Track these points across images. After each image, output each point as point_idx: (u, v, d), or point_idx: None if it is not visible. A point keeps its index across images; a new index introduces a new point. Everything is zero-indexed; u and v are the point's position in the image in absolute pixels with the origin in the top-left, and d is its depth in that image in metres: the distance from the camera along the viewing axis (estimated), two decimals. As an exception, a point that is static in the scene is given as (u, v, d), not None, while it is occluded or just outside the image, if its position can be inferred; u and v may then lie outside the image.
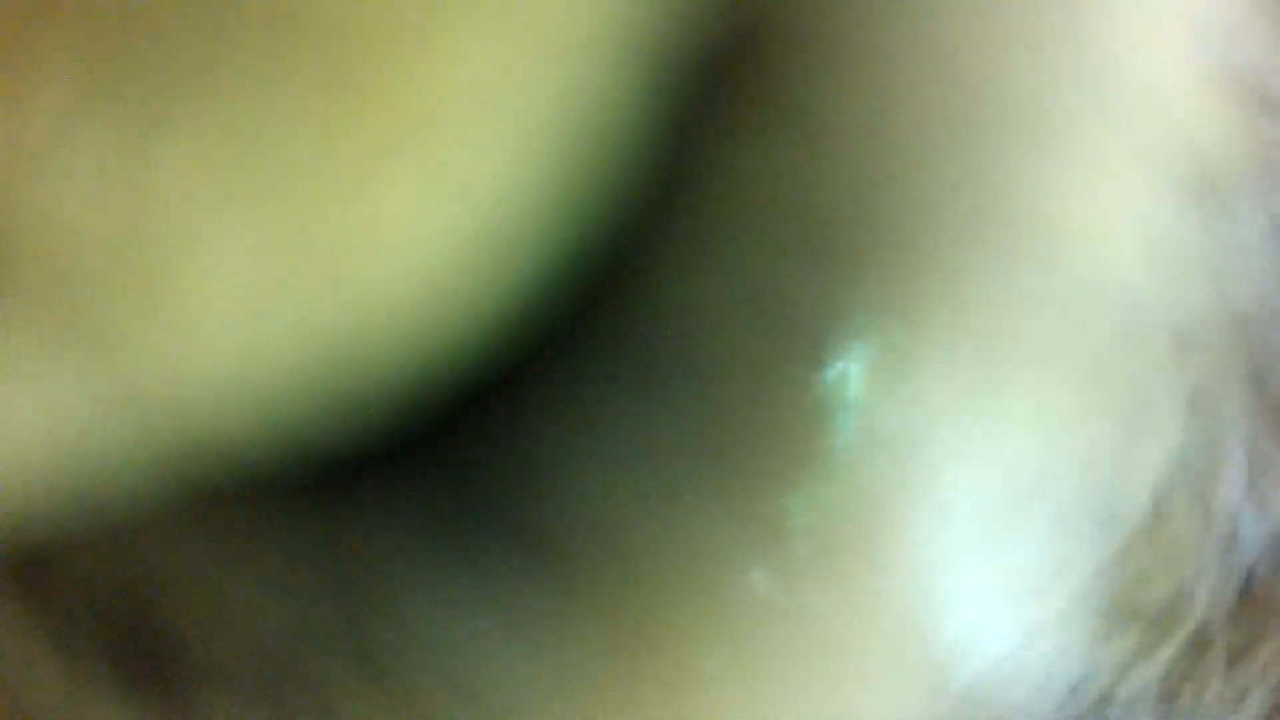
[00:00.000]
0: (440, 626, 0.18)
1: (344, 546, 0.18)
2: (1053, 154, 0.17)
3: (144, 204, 0.17)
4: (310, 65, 0.17)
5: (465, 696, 0.18)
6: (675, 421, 0.17)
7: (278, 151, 0.17)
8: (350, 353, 0.17)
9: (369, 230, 0.17)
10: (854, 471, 0.17)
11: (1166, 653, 0.19)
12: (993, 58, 0.17)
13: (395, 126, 0.17)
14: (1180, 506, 0.19)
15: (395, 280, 0.17)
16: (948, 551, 0.18)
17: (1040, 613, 0.19)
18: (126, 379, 0.17)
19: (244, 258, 0.17)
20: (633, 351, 0.18)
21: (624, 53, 0.17)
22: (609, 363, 0.18)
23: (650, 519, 0.17)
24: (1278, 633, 0.20)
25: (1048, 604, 0.19)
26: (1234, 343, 0.19)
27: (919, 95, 0.17)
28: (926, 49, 0.17)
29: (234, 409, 0.18)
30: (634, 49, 0.17)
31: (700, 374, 0.17)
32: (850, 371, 0.17)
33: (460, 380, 0.18)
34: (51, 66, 0.17)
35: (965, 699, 0.19)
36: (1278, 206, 0.19)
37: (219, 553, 0.18)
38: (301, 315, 0.17)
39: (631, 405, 0.17)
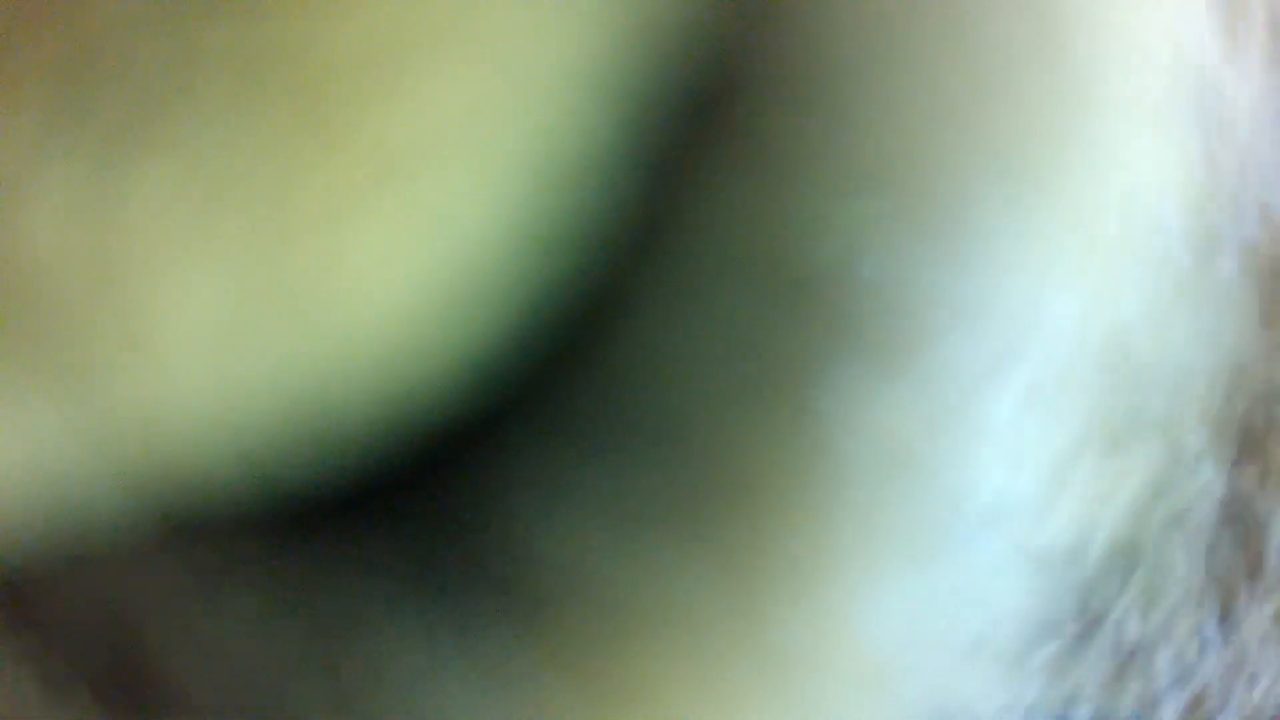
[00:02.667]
0: (414, 669, 0.18)
1: (319, 586, 0.18)
2: (1035, 194, 0.17)
3: (115, 238, 0.17)
4: (282, 101, 0.16)
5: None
6: (652, 470, 0.17)
7: (249, 187, 0.17)
8: (324, 391, 0.17)
9: (341, 268, 0.17)
10: (833, 520, 0.17)
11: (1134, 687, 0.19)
12: (977, 99, 0.17)
13: (368, 165, 0.17)
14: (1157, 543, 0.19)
15: (368, 319, 0.17)
16: (929, 590, 0.18)
17: (1006, 645, 0.19)
18: (101, 411, 0.17)
19: (216, 293, 0.17)
20: (610, 399, 0.17)
21: (601, 94, 0.17)
22: (586, 410, 0.17)
23: (626, 569, 0.17)
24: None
25: (1014, 636, 0.19)
26: (1217, 381, 0.19)
27: (902, 139, 0.17)
28: (909, 91, 0.17)
29: (208, 443, 0.18)
30: (611, 91, 0.17)
31: (678, 422, 0.17)
32: (830, 420, 0.17)
33: (435, 425, 0.18)
34: (19, 99, 0.16)
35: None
36: (1253, 238, 0.19)
37: (197, 587, 0.18)
38: (274, 352, 0.17)
39: (608, 453, 0.17)
